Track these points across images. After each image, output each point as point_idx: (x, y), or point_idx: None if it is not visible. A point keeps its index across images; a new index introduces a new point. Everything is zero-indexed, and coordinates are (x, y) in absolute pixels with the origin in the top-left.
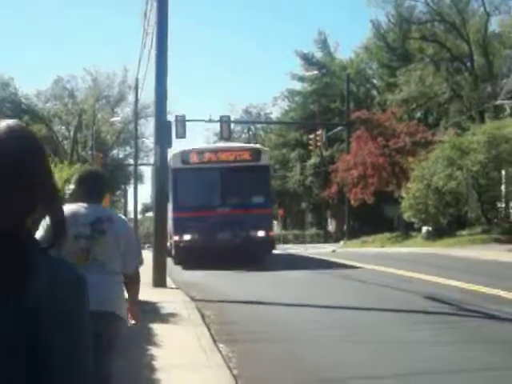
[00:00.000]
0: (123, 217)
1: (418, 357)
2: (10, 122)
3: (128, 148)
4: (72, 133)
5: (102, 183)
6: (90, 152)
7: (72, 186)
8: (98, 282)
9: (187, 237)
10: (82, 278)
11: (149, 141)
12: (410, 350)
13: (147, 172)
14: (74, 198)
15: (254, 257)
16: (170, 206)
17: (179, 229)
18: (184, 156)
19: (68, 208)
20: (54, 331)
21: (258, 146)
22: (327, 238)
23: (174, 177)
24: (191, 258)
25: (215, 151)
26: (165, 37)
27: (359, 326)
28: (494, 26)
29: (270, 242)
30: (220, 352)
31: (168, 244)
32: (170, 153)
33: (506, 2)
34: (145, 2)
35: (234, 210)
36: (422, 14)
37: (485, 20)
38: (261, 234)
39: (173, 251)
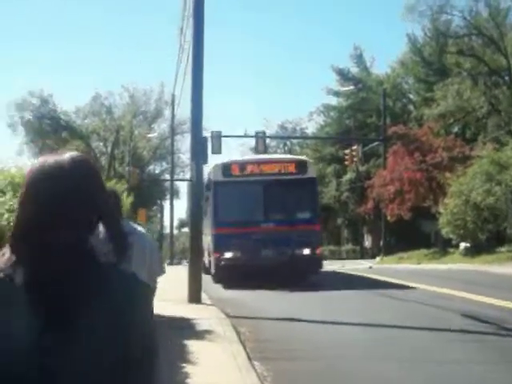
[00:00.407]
0: (143, 230)
1: (455, 377)
2: (73, 153)
3: (164, 163)
4: (109, 149)
5: (118, 200)
6: (126, 168)
7: None
8: None
9: (228, 254)
10: (138, 286)
11: (185, 156)
12: (448, 370)
13: (183, 187)
14: None
15: (300, 276)
16: (208, 222)
17: (220, 246)
18: (225, 168)
19: None
20: (112, 328)
21: (303, 157)
22: (363, 253)
23: (215, 190)
24: (233, 277)
25: (258, 163)
26: (201, 54)
27: (396, 345)
28: None
29: (318, 261)
30: (255, 370)
31: (206, 261)
32: (211, 165)
33: None
34: (181, 18)
35: (279, 226)
36: (458, 28)
37: None
38: (307, 251)
39: (212, 269)
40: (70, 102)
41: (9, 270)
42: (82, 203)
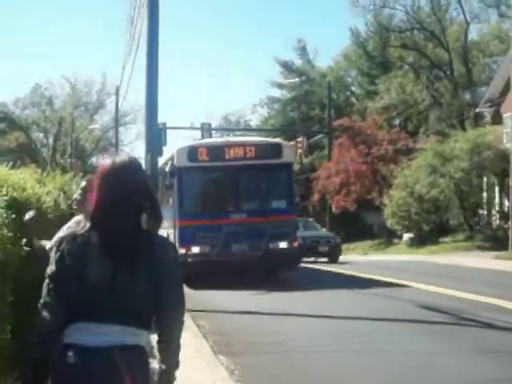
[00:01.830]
0: None
1: (421, 368)
2: (129, 155)
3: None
4: (50, 140)
5: None
6: (68, 160)
7: (78, 196)
8: None
9: (196, 249)
10: (170, 243)
11: (127, 148)
12: (412, 360)
13: None
14: (81, 207)
15: (276, 272)
16: (170, 213)
17: (186, 240)
18: (192, 152)
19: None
20: (158, 272)
21: (278, 140)
22: None
23: (180, 177)
24: (201, 275)
25: (229, 146)
26: (156, 44)
27: (360, 337)
28: (473, 34)
29: (294, 254)
30: (222, 365)
31: None
32: (174, 149)
33: (485, 11)
34: (131, 8)
35: (252, 217)
36: (401, 22)
37: (464, 28)
38: (284, 245)
39: None
40: (9, 92)
41: (87, 233)
42: (137, 189)
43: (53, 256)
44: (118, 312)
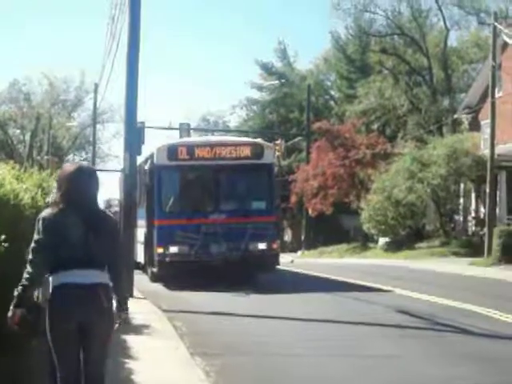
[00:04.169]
0: None
1: (400, 372)
2: (85, 163)
3: (84, 154)
4: (27, 137)
5: None
6: (45, 157)
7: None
8: None
9: (174, 249)
10: (115, 220)
11: (104, 146)
12: (391, 364)
13: (104, 178)
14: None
15: (255, 273)
16: (147, 212)
17: (165, 239)
18: (171, 151)
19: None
20: (109, 234)
21: (259, 140)
22: (283, 248)
23: (159, 176)
24: (178, 275)
25: (210, 145)
26: (137, 43)
27: (337, 340)
28: (453, 40)
29: (274, 257)
30: (198, 366)
31: (138, 256)
32: (151, 149)
33: (465, 18)
34: (112, 6)
35: (232, 218)
36: (381, 27)
37: (444, 34)
38: (263, 246)
39: (153, 266)
40: None
41: (62, 210)
42: (97, 186)
43: (40, 227)
44: (91, 261)
